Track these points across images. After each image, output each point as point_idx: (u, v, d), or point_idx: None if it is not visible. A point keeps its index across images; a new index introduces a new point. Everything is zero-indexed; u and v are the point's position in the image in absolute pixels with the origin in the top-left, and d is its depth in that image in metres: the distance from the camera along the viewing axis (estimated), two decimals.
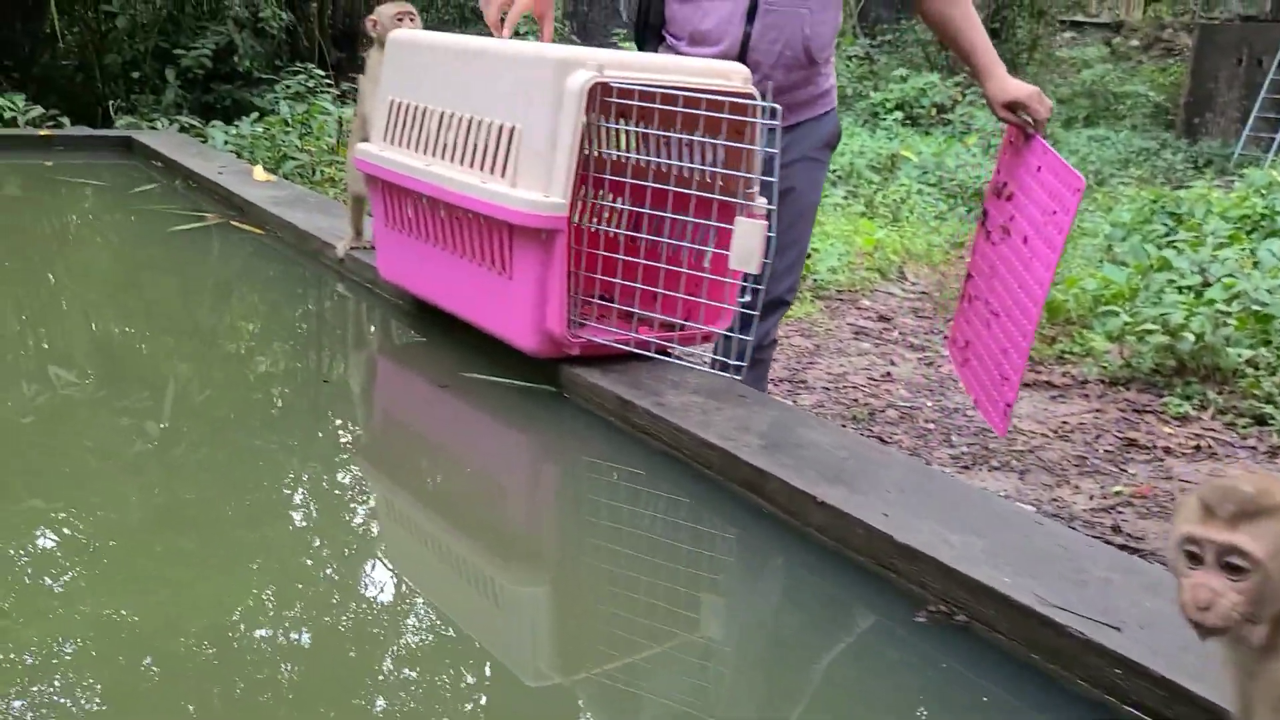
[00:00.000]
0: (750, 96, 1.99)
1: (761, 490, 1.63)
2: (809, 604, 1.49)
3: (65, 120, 6.24)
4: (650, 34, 2.29)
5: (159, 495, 1.74)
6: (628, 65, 1.96)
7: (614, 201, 2.31)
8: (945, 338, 2.54)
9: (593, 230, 2.25)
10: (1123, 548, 2.71)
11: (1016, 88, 2.22)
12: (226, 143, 5.96)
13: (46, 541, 1.57)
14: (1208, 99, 10.80)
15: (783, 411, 1.91)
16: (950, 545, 1.38)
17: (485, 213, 2.02)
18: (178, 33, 7.62)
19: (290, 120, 6.27)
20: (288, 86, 7.11)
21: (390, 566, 1.59)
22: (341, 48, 8.36)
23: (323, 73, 7.24)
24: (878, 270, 5.82)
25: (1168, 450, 3.38)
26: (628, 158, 2.16)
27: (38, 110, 6.08)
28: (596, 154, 2.25)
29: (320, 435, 2.05)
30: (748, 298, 2.11)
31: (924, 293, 5.66)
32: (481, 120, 2.06)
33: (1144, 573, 1.34)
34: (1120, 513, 2.92)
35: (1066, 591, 1.27)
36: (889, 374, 4.17)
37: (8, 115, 5.95)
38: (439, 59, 2.25)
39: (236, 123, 6.46)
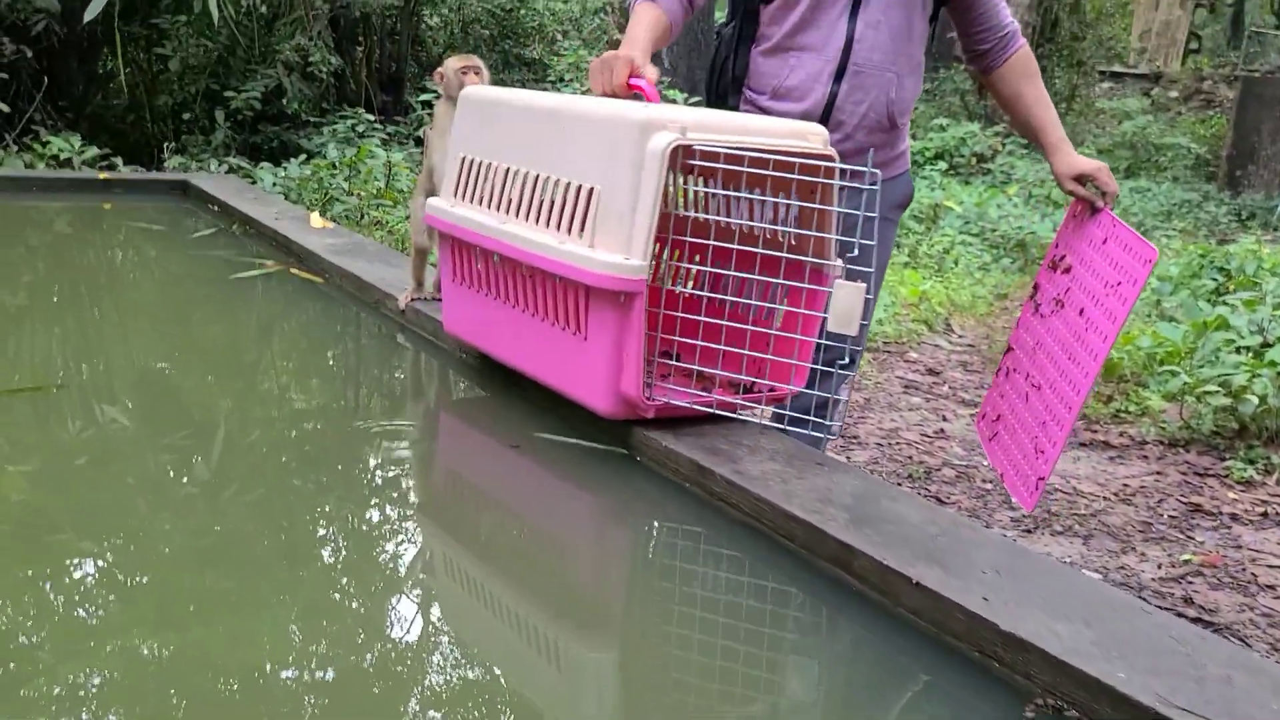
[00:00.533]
0: (830, 159, 1.97)
1: (849, 567, 1.59)
2: (905, 691, 1.44)
3: (119, 161, 6.34)
4: (731, 88, 2.28)
5: (203, 535, 1.73)
6: (710, 127, 1.94)
7: (694, 262, 2.29)
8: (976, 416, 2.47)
9: (672, 291, 2.23)
10: (1196, 620, 2.64)
11: (1085, 162, 2.26)
12: (275, 184, 6.02)
13: (85, 574, 1.57)
14: (1250, 152, 10.72)
15: (866, 481, 1.87)
16: (1058, 635, 1.34)
17: (561, 273, 2.00)
18: (228, 75, 7.73)
19: (338, 163, 6.33)
20: (335, 130, 7.19)
21: (448, 626, 1.56)
22: (388, 91, 8.46)
23: (370, 116, 7.32)
24: (924, 322, 5.78)
25: (1234, 517, 3.31)
26: (708, 218, 2.15)
27: (93, 151, 6.18)
28: (678, 213, 2.25)
29: (380, 486, 2.03)
30: (845, 360, 2.11)
31: (970, 345, 5.61)
32: (558, 180, 2.04)
33: (1265, 672, 1.28)
34: (1191, 583, 2.85)
35: (1187, 690, 1.22)
36: (942, 430, 4.12)
37: (63, 155, 6.05)
38: (513, 116, 2.24)
39: (284, 164, 6.53)
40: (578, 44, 8.50)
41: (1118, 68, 14.88)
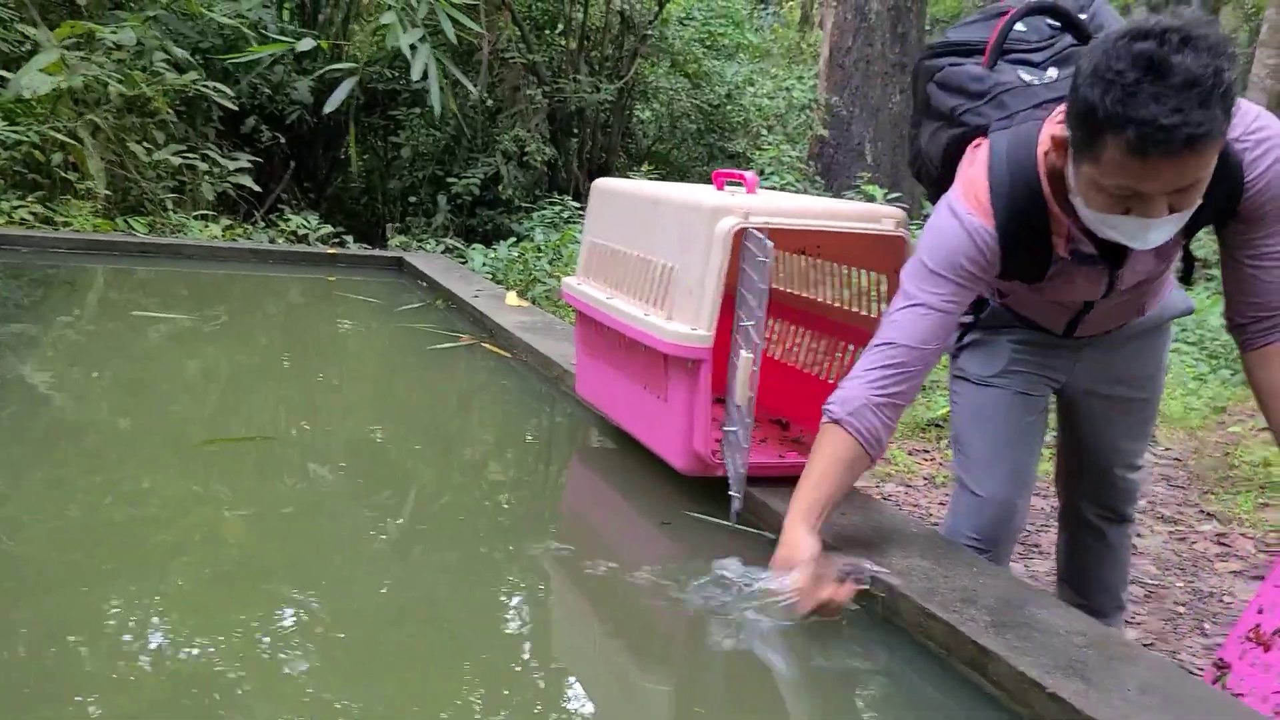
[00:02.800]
0: (903, 240, 2.15)
1: (985, 670, 1.56)
2: None
3: (349, 238, 6.93)
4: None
5: (395, 590, 1.86)
6: (777, 211, 2.11)
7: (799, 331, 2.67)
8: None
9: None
10: None
11: None
12: (484, 264, 6.42)
13: (287, 625, 1.69)
14: None
15: (1014, 585, 1.82)
16: None
17: (645, 342, 2.22)
18: (452, 162, 8.35)
19: (543, 246, 6.68)
20: (544, 215, 7.60)
21: (615, 705, 1.61)
22: (594, 179, 8.88)
23: (577, 204, 7.72)
24: None
25: None
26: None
27: (326, 229, 6.79)
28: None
29: (544, 547, 2.13)
30: None
31: (1177, 460, 5.27)
32: (649, 259, 2.29)
33: None
34: None
35: None
36: (1134, 545, 3.89)
37: (301, 231, 6.67)
38: (624, 203, 2.52)
39: (495, 246, 6.96)
40: (781, 138, 8.67)
41: None
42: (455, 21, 5.81)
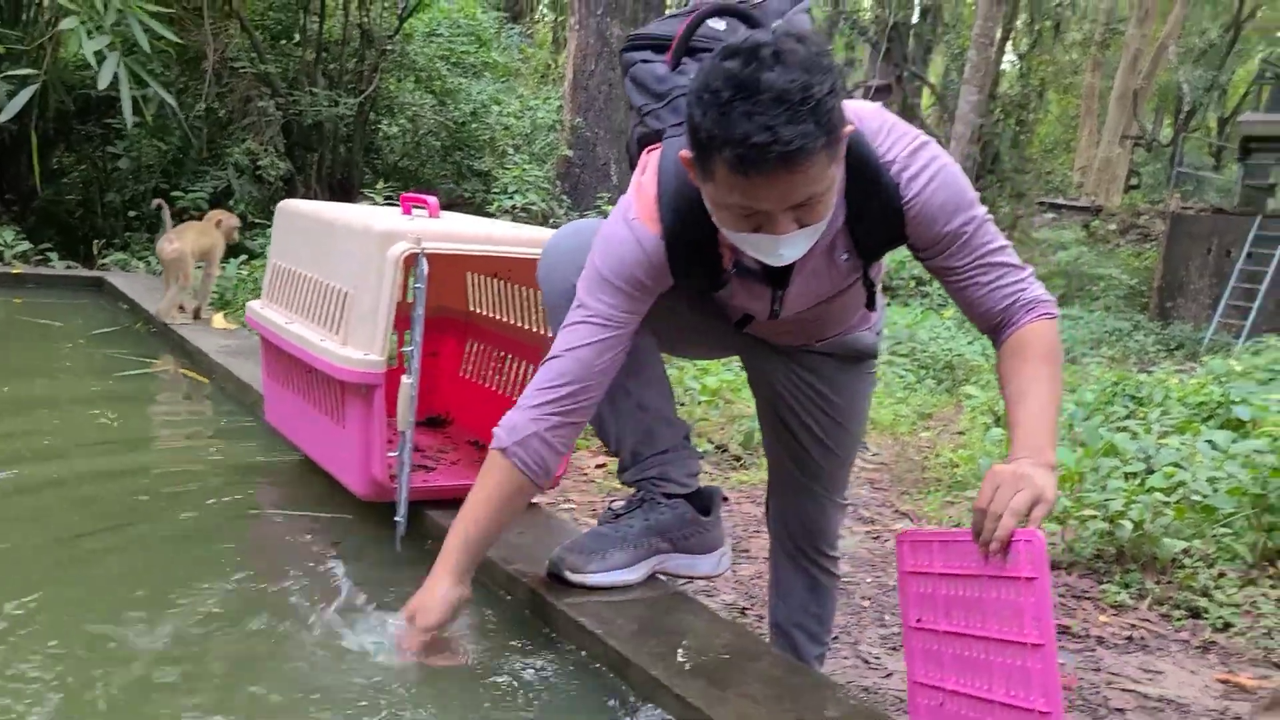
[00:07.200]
0: None
1: (625, 674, 1.64)
2: None
3: (54, 256, 6.42)
4: None
5: (42, 617, 1.74)
6: (451, 236, 2.18)
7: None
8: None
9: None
10: None
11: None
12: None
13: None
14: (1180, 284, 11.12)
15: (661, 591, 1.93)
16: None
17: (321, 368, 2.23)
18: (179, 175, 7.90)
19: None
20: None
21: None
22: (336, 196, 8.65)
23: None
24: None
25: (1100, 640, 3.36)
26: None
27: (26, 245, 6.26)
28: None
29: (213, 577, 2.05)
30: None
31: (883, 464, 5.70)
32: (327, 283, 2.29)
33: None
34: None
35: None
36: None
37: None
38: (307, 225, 2.52)
39: (223, 265, 6.63)
40: (526, 158, 8.76)
41: (1061, 200, 15.45)
42: (150, 29, 5.48)
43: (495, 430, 1.79)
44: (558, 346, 1.77)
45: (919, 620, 1.58)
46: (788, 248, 1.55)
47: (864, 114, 1.67)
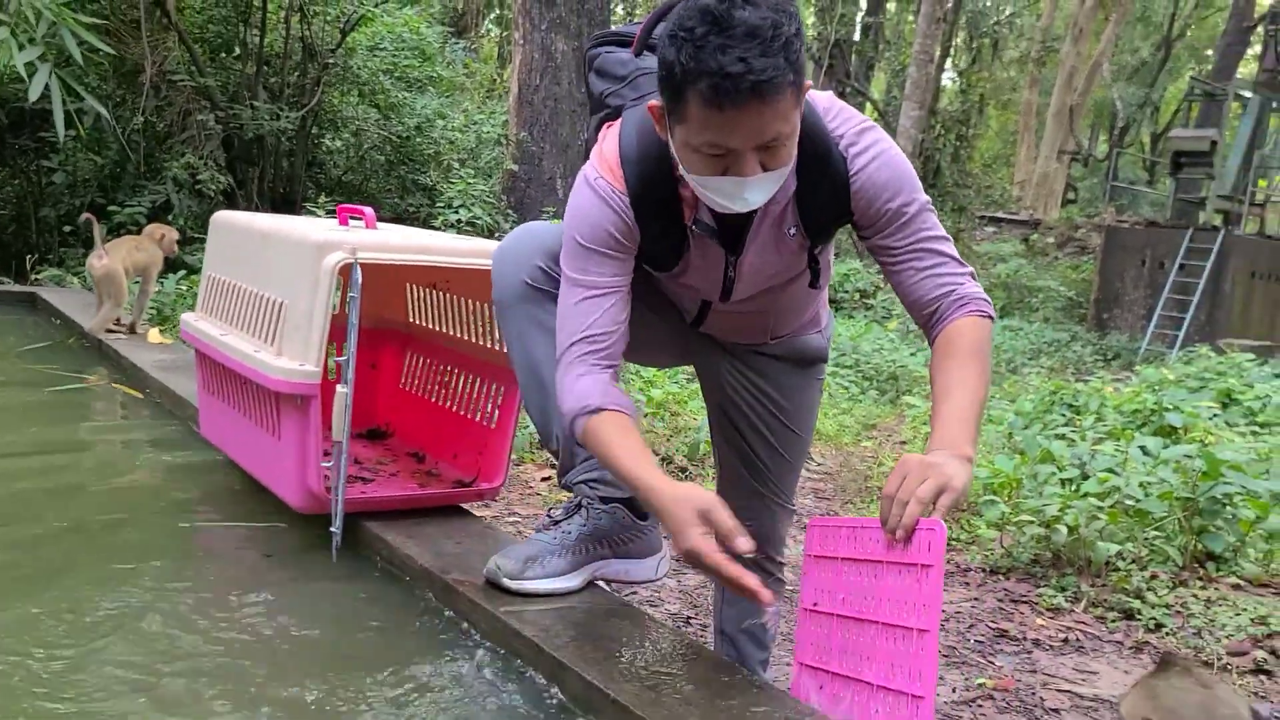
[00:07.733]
0: None
1: (561, 680, 1.64)
2: None
3: None
4: None
5: None
6: (387, 247, 2.16)
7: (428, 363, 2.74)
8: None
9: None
10: None
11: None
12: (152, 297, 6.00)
13: None
14: (1115, 296, 11.38)
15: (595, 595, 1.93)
16: None
17: (256, 379, 2.20)
18: (117, 189, 7.77)
19: None
20: None
21: None
22: (279, 210, 8.56)
23: None
24: None
25: (1037, 642, 3.42)
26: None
27: None
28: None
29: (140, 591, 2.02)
30: None
31: (828, 473, 5.75)
32: (261, 294, 2.27)
33: None
34: (980, 706, 2.93)
35: None
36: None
37: None
38: (242, 237, 2.49)
39: (161, 280, 6.53)
40: (471, 172, 8.74)
41: (1001, 214, 15.74)
42: (85, 41, 5.40)
43: (578, 407, 1.74)
44: (571, 328, 1.76)
45: (815, 604, 1.61)
46: (752, 191, 1.59)
47: (816, 96, 1.74)
